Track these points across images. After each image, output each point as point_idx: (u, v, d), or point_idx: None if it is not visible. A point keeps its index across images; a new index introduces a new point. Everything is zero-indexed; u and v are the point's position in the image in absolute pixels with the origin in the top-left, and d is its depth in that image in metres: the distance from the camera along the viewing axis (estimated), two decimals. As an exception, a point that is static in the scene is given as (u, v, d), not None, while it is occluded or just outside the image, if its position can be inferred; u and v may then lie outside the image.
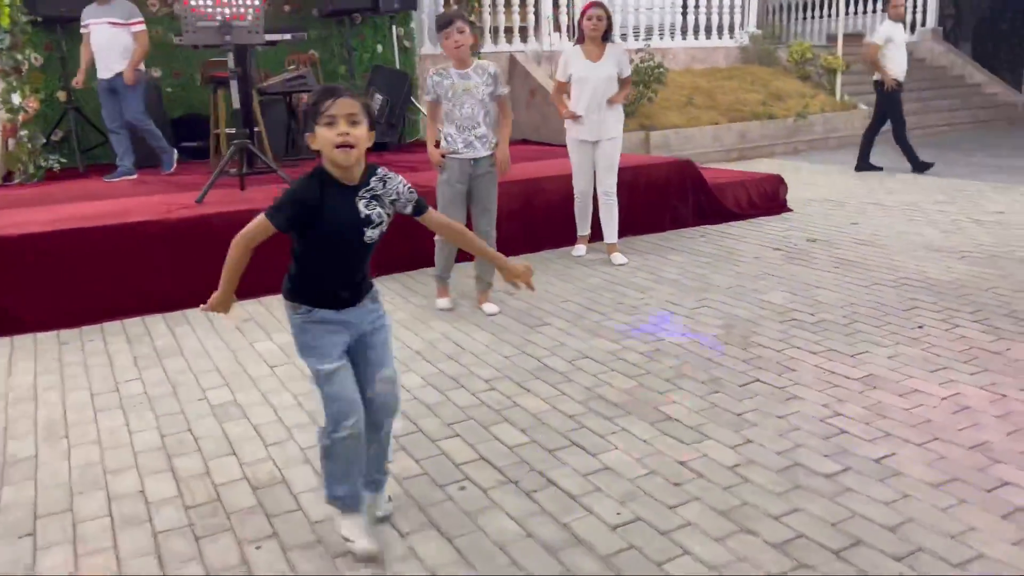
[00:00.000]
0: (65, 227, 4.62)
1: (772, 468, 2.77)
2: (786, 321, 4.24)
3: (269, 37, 7.26)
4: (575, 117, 5.27)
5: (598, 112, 5.30)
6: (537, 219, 5.84)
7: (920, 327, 4.07)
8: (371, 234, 2.24)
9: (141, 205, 5.28)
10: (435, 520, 2.53)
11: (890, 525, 2.41)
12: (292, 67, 8.20)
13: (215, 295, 2.38)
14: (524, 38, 10.64)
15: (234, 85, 5.40)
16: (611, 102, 5.29)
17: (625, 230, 6.20)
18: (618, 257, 5.52)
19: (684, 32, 11.74)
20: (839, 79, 11.38)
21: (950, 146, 10.66)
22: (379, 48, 9.33)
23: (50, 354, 4.12)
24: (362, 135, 2.13)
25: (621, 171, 6.29)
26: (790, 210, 6.99)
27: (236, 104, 5.48)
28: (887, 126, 8.70)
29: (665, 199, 6.51)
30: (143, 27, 6.74)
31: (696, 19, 11.82)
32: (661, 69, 9.48)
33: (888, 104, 8.60)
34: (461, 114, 4.38)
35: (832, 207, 7.13)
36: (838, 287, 4.78)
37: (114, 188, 6.31)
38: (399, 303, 4.78)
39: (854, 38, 12.06)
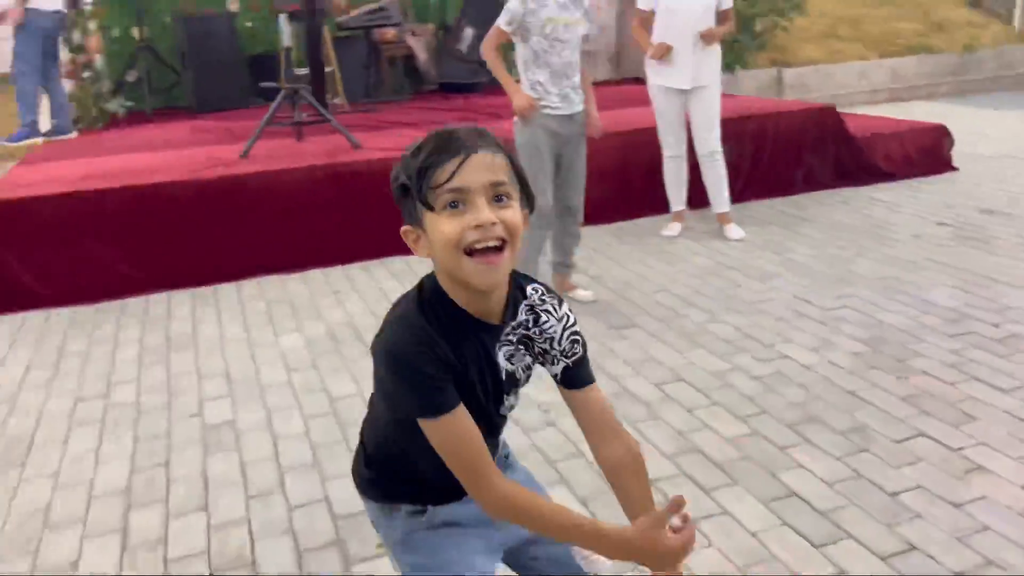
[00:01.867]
0: (77, 188, 4.03)
1: (950, 608, 1.82)
2: (959, 335, 3.16)
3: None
4: (666, 51, 4.19)
5: (692, 52, 4.20)
6: (634, 179, 4.87)
7: None
8: (511, 402, 1.27)
9: (178, 160, 4.64)
10: None
11: None
12: (373, -2, 7.37)
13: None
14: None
15: (283, 19, 4.63)
16: (705, 37, 4.17)
17: (746, 192, 5.17)
18: (733, 230, 4.48)
19: (829, -49, 10.14)
20: (1019, 6, 9.56)
21: None
22: (476, -25, 8.37)
23: (53, 339, 3.56)
24: (516, 221, 1.11)
25: (745, 120, 5.23)
26: (955, 169, 5.70)
27: (286, 41, 4.73)
28: None
29: (798, 154, 5.37)
30: None
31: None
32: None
33: None
34: (560, 59, 3.37)
35: (1009, 165, 5.78)
36: (1030, 283, 3.63)
37: (169, 136, 5.69)
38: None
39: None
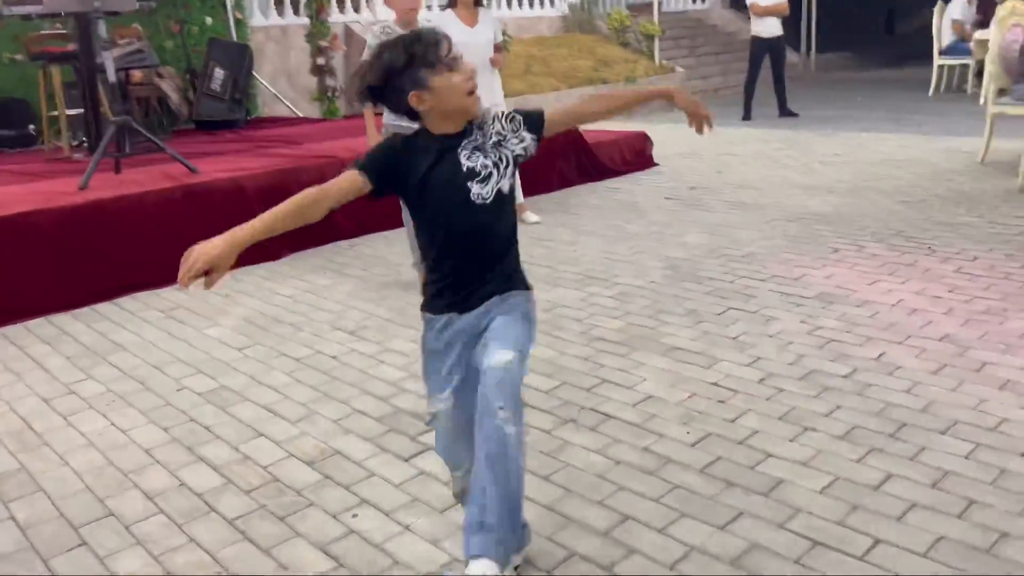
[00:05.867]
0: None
1: (793, 376, 3.03)
2: (720, 256, 4.57)
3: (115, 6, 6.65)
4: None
5: (484, 78, 5.32)
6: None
7: (835, 251, 4.56)
8: (476, 190, 1.82)
9: (18, 195, 4.68)
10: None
11: (919, 407, 2.75)
12: (124, 41, 7.48)
13: (212, 250, 1.65)
14: (357, 7, 10.42)
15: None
16: (493, 63, 5.32)
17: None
18: (530, 216, 5.63)
19: (509, 2, 11.98)
20: (657, 45, 12.14)
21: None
22: (208, 20, 8.77)
23: (-40, 365, 3.59)
24: None
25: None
26: (657, 164, 7.44)
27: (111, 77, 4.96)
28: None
29: (550, 160, 6.70)
30: None
31: (519, -11, 12.11)
32: (507, 37, 9.63)
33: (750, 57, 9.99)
34: None
35: (692, 159, 7.67)
36: (746, 225, 5.20)
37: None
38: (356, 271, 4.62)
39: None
